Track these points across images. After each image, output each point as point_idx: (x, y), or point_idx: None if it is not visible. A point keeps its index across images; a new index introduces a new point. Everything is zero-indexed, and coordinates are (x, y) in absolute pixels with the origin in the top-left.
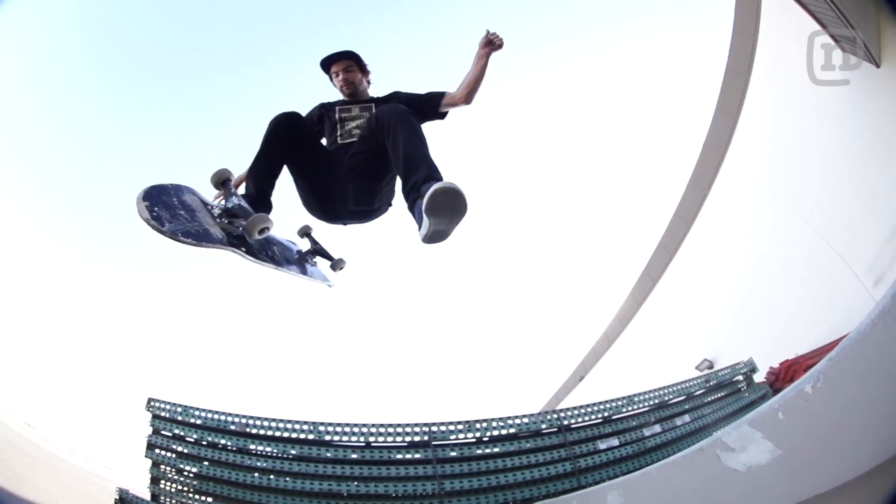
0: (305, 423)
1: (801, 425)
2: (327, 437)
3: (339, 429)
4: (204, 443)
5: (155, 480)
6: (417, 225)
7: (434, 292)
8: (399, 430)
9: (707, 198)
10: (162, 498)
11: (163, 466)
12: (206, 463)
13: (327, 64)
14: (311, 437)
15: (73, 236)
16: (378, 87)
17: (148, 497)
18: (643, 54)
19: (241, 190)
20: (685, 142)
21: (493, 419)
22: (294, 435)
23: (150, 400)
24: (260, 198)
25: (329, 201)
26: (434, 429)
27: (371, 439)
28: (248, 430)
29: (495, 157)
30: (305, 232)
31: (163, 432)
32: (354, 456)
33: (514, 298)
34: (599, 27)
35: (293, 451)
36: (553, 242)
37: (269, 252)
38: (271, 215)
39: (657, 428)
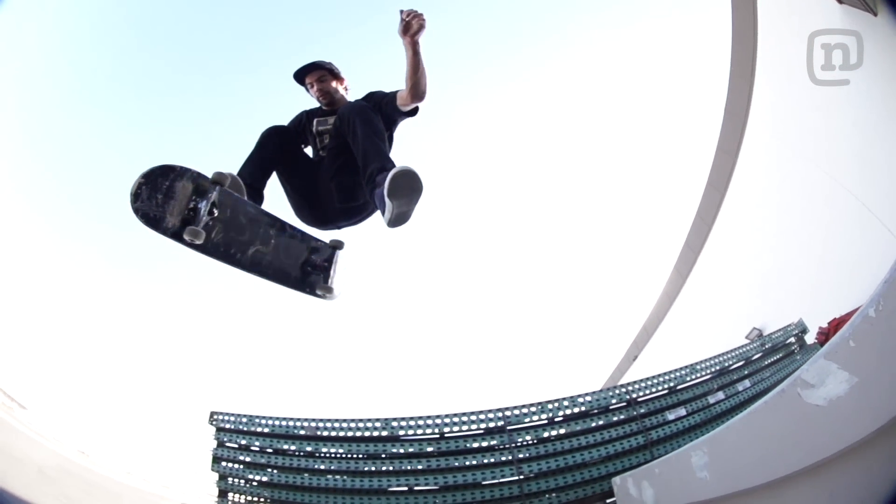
0: (377, 419)
1: (872, 349)
2: (400, 433)
3: (411, 422)
4: (270, 450)
5: (223, 493)
6: (381, 212)
7: (480, 282)
8: (473, 417)
9: (736, 165)
10: None
11: (230, 479)
12: (274, 470)
13: (301, 76)
14: (383, 433)
15: (95, 246)
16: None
17: None
18: (660, 26)
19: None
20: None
21: (563, 398)
22: (366, 433)
23: (212, 413)
24: (251, 186)
25: (318, 205)
26: (507, 413)
27: (445, 430)
28: (318, 432)
29: (542, 144)
30: (334, 246)
31: (227, 444)
32: (430, 449)
33: (563, 285)
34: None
35: (365, 450)
36: (599, 225)
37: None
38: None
39: (720, 395)
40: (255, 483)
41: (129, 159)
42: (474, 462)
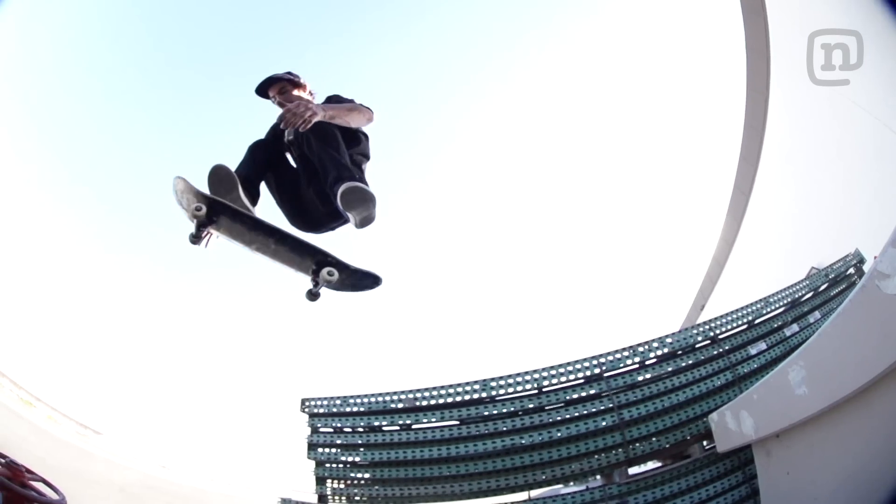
0: (474, 382)
1: None
2: (500, 391)
3: (509, 380)
4: (360, 429)
5: (320, 480)
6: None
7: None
8: (570, 367)
9: (769, 104)
10: (329, 496)
11: (327, 464)
12: (371, 450)
13: (263, 91)
14: (482, 395)
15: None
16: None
17: (311, 500)
18: None
19: None
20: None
21: (650, 340)
22: (465, 397)
23: (303, 401)
24: (247, 179)
25: (305, 211)
26: (602, 360)
27: (544, 383)
28: (417, 402)
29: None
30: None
31: (321, 430)
32: (531, 405)
33: (626, 240)
34: None
35: (466, 414)
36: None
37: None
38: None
39: (795, 327)
40: (352, 464)
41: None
42: (575, 413)
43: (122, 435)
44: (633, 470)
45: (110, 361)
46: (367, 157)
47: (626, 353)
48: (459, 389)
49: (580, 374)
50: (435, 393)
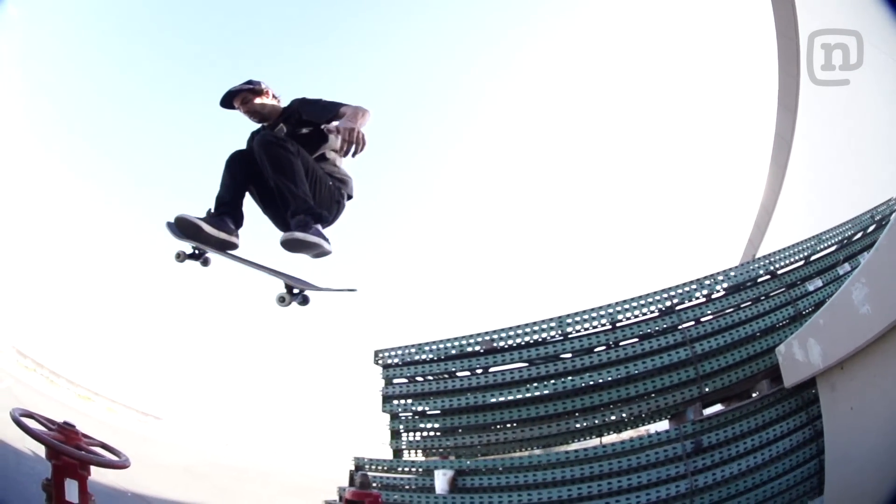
0: (549, 319)
1: None
2: (577, 328)
3: (583, 316)
4: (435, 376)
5: (395, 434)
6: None
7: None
8: (643, 301)
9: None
10: (405, 450)
11: (402, 415)
12: (447, 397)
13: (228, 103)
14: (555, 333)
15: None
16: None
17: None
18: None
19: None
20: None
21: (715, 274)
22: (542, 335)
23: (377, 353)
24: (228, 204)
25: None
26: (672, 293)
27: (619, 317)
28: (494, 344)
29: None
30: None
31: (395, 381)
32: (602, 347)
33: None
34: None
35: (544, 352)
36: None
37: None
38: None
39: (847, 266)
40: (427, 415)
41: None
42: (648, 348)
43: (183, 419)
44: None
45: (164, 347)
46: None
47: (693, 287)
48: (536, 328)
49: (652, 308)
50: (511, 333)
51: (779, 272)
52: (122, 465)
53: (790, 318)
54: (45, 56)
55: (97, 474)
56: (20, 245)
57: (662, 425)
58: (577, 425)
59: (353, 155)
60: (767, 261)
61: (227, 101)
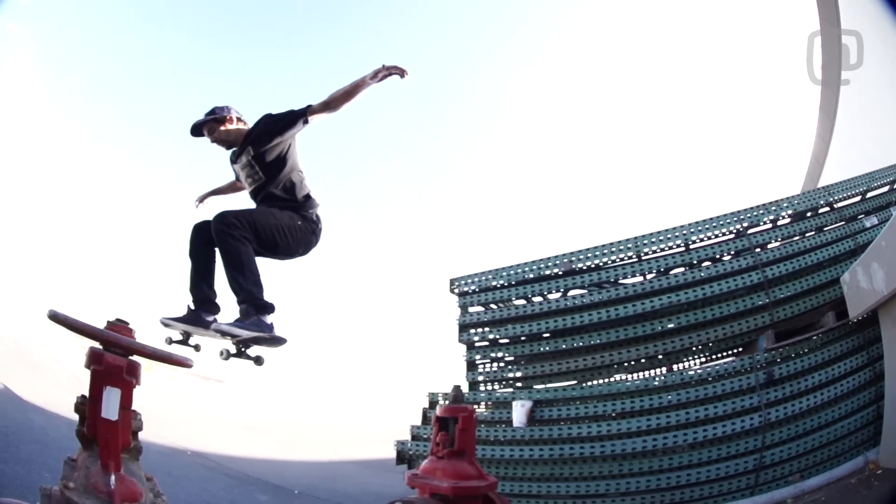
0: (626, 241)
1: None
2: (651, 249)
3: (658, 238)
4: (507, 302)
5: (471, 365)
6: None
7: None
8: (714, 224)
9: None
10: (481, 382)
11: (478, 344)
12: (525, 322)
13: (198, 133)
14: (631, 254)
15: None
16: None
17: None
18: None
19: None
20: None
21: (780, 200)
22: (618, 256)
23: (452, 280)
24: (203, 302)
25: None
26: (742, 216)
27: (692, 238)
28: (573, 266)
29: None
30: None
31: (471, 309)
32: (677, 269)
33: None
34: None
35: (616, 274)
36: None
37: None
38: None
39: None
40: (505, 343)
41: None
42: (721, 270)
43: (245, 381)
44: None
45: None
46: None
47: (760, 212)
48: (613, 248)
49: (724, 230)
50: (588, 254)
51: (836, 205)
52: (184, 362)
53: (850, 251)
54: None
55: (153, 434)
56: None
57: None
58: (655, 351)
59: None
60: (826, 192)
61: (195, 131)
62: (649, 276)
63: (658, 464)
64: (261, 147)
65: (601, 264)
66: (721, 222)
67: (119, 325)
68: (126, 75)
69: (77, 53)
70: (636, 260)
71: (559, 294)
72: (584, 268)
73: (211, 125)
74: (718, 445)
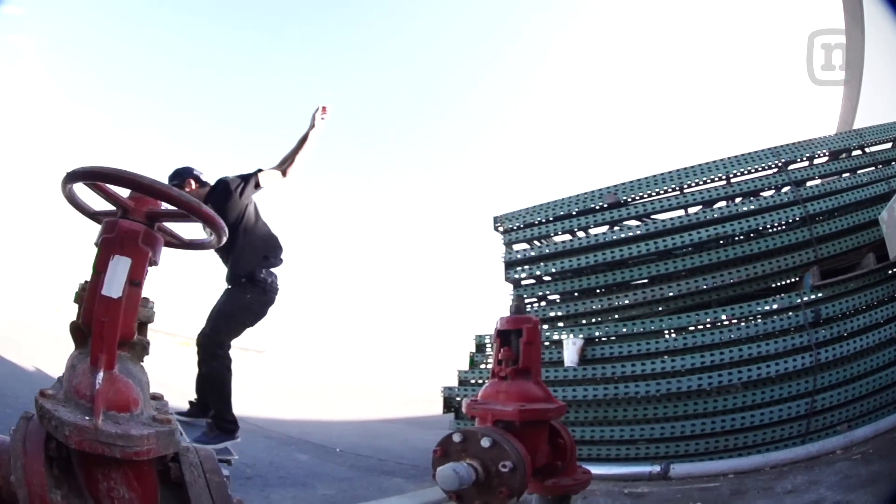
0: (668, 173)
1: None
2: (693, 181)
3: (700, 170)
4: (552, 237)
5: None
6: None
7: None
8: (755, 157)
9: None
10: None
11: (525, 282)
12: (571, 259)
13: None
14: (675, 185)
15: None
16: None
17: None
18: None
19: None
20: None
21: (813, 139)
22: (662, 188)
23: (496, 218)
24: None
25: None
26: (781, 151)
27: (733, 171)
28: (619, 198)
29: None
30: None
31: (515, 246)
32: (721, 204)
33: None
34: None
35: (661, 207)
36: None
37: None
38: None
39: None
40: (551, 280)
41: None
42: (764, 204)
43: (285, 351)
44: None
45: None
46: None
47: (798, 149)
48: (656, 180)
49: (765, 164)
50: (636, 185)
51: (867, 149)
52: (209, 245)
53: (884, 194)
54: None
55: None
56: None
57: None
58: (704, 285)
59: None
60: (858, 135)
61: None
62: (692, 210)
63: (713, 405)
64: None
65: (646, 196)
66: (761, 157)
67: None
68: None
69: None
70: (678, 193)
71: (605, 228)
72: (629, 200)
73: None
74: (771, 386)
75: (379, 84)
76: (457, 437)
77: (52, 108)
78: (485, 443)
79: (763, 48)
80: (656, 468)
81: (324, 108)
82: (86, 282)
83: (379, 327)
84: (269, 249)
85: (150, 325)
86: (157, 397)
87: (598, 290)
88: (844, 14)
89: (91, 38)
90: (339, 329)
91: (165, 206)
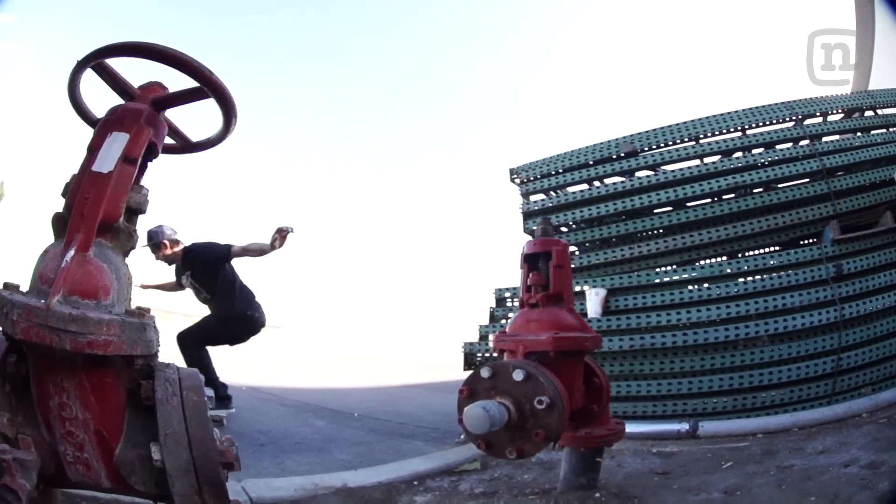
0: (684, 123)
1: None
2: (709, 130)
3: (714, 121)
4: (570, 186)
5: None
6: None
7: None
8: (770, 109)
9: None
10: None
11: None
12: (589, 207)
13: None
14: (689, 136)
15: None
16: None
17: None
18: None
19: None
20: None
21: (826, 97)
22: (679, 137)
23: (512, 170)
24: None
25: (223, 335)
26: (795, 105)
27: (747, 123)
28: (635, 147)
29: None
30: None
31: (532, 197)
32: (737, 155)
33: None
34: None
35: (678, 155)
36: None
37: None
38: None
39: None
40: (569, 229)
41: None
42: (780, 156)
43: (302, 325)
44: None
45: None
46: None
47: (812, 106)
48: (672, 131)
49: (779, 116)
50: (651, 135)
51: (880, 111)
52: (215, 141)
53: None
54: None
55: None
56: None
57: None
58: (726, 235)
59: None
60: (870, 96)
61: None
62: (708, 160)
63: (740, 359)
64: (199, 278)
65: (662, 145)
66: (775, 110)
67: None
68: None
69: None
70: (694, 143)
71: (623, 178)
72: (645, 149)
73: (152, 250)
74: (798, 340)
75: (400, 38)
76: (485, 372)
77: (52, 110)
78: (517, 375)
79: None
80: (685, 426)
81: (283, 237)
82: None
83: (396, 297)
84: (248, 296)
85: (163, 308)
86: (143, 311)
87: (614, 240)
88: (856, 11)
89: (90, 39)
90: (356, 301)
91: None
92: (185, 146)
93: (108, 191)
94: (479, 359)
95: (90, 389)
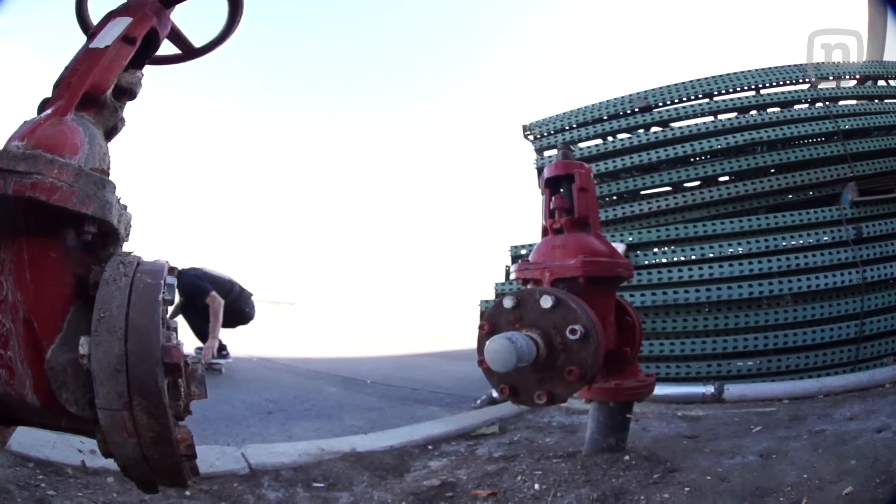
0: (697, 81)
1: None
2: (723, 87)
3: (727, 79)
4: (585, 141)
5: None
6: None
7: None
8: (783, 70)
9: None
10: None
11: None
12: (605, 161)
13: None
14: (703, 92)
15: None
16: None
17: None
18: None
19: None
20: None
21: (844, 63)
22: (693, 93)
23: (524, 127)
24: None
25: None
26: (806, 67)
27: (761, 82)
28: (649, 103)
29: None
30: None
31: (546, 153)
32: (752, 113)
33: None
34: None
35: (692, 111)
36: None
37: None
38: None
39: None
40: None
41: None
42: (795, 115)
43: (315, 301)
44: None
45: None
46: None
47: (825, 69)
48: (686, 87)
49: (792, 77)
50: (665, 91)
51: (891, 81)
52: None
53: None
54: None
55: None
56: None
57: None
58: (745, 191)
59: None
60: (882, 65)
61: None
62: (722, 116)
63: (764, 318)
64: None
65: (676, 101)
66: (788, 70)
67: None
68: None
69: None
70: (708, 100)
71: (637, 132)
72: (659, 105)
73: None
74: (821, 301)
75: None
76: (508, 302)
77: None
78: (545, 302)
79: None
80: (710, 389)
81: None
82: None
83: (410, 270)
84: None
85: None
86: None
87: (626, 196)
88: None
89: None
90: (369, 275)
91: None
92: (188, 52)
93: (101, 62)
94: None
95: (27, 263)
